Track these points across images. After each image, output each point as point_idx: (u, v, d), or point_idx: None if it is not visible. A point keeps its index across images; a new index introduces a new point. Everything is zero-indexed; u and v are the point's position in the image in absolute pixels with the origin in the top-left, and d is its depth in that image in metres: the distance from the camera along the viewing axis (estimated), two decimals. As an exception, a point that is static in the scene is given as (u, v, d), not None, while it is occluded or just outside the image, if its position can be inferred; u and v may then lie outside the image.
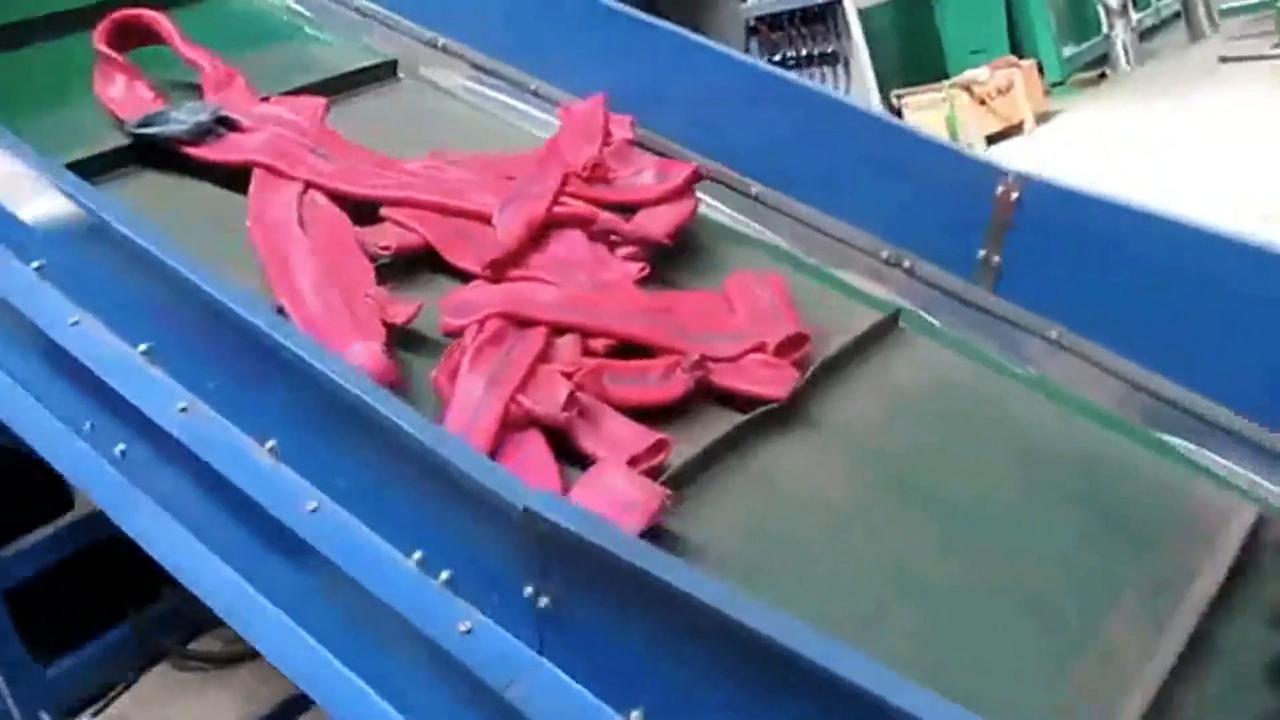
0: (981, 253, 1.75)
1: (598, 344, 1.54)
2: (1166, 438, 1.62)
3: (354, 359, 1.39)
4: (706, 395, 1.53)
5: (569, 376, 1.44)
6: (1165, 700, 1.24)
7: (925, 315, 1.80)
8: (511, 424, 1.39)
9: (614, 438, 1.40)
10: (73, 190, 1.47)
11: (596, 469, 1.35)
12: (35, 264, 1.56)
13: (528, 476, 1.28)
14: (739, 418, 1.51)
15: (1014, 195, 1.69)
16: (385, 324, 1.50)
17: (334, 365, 1.25)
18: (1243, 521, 1.48)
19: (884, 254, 1.83)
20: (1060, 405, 1.68)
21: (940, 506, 1.48)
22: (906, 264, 1.82)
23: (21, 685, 2.57)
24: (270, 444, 1.35)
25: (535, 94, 2.16)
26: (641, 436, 1.41)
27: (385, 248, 1.65)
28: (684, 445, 1.44)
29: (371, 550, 1.27)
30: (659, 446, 1.40)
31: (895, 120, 1.98)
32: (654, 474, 1.38)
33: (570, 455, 1.41)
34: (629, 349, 1.56)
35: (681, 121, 2.00)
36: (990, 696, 1.19)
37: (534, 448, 1.37)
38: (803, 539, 1.41)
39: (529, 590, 1.14)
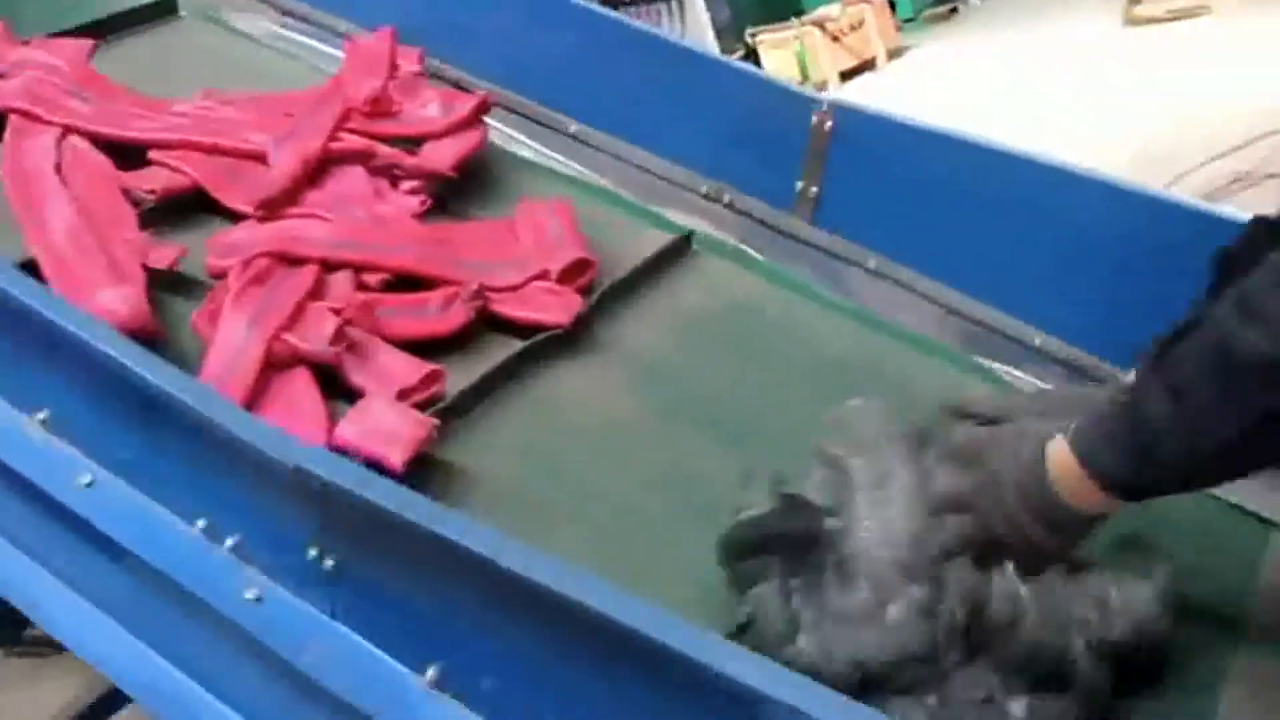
0: (800, 184, 1.74)
1: (372, 279, 1.50)
2: (983, 360, 1.63)
3: (103, 306, 1.31)
4: (488, 326, 1.51)
5: (338, 312, 1.40)
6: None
7: (722, 237, 1.80)
8: (277, 363, 1.34)
9: (385, 371, 1.37)
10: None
11: (362, 403, 1.32)
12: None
13: (295, 418, 1.26)
14: (519, 345, 1.49)
15: (828, 124, 1.67)
16: (146, 269, 1.43)
17: (79, 321, 1.16)
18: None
19: (703, 189, 1.81)
20: (865, 328, 1.68)
21: (726, 423, 1.47)
22: (727, 198, 1.79)
23: None
24: (41, 415, 1.27)
25: (348, 37, 2.07)
26: (414, 369, 1.38)
27: (151, 191, 1.58)
28: (461, 376, 1.42)
29: (152, 521, 1.21)
30: (432, 378, 1.38)
31: (709, 53, 1.96)
32: (427, 406, 1.35)
33: (344, 393, 1.37)
34: (407, 283, 1.52)
35: (496, 61, 1.95)
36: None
37: (301, 387, 1.33)
38: (582, 461, 1.40)
39: (313, 552, 1.09)
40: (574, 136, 1.89)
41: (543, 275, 1.55)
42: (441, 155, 1.72)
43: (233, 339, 1.35)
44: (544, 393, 1.47)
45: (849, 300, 1.71)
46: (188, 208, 1.62)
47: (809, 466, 1.29)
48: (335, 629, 1.13)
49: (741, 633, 1.14)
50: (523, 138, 1.88)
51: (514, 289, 1.54)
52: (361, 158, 1.68)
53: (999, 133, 1.63)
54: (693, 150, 1.82)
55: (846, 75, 6.13)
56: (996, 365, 1.63)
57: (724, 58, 2.28)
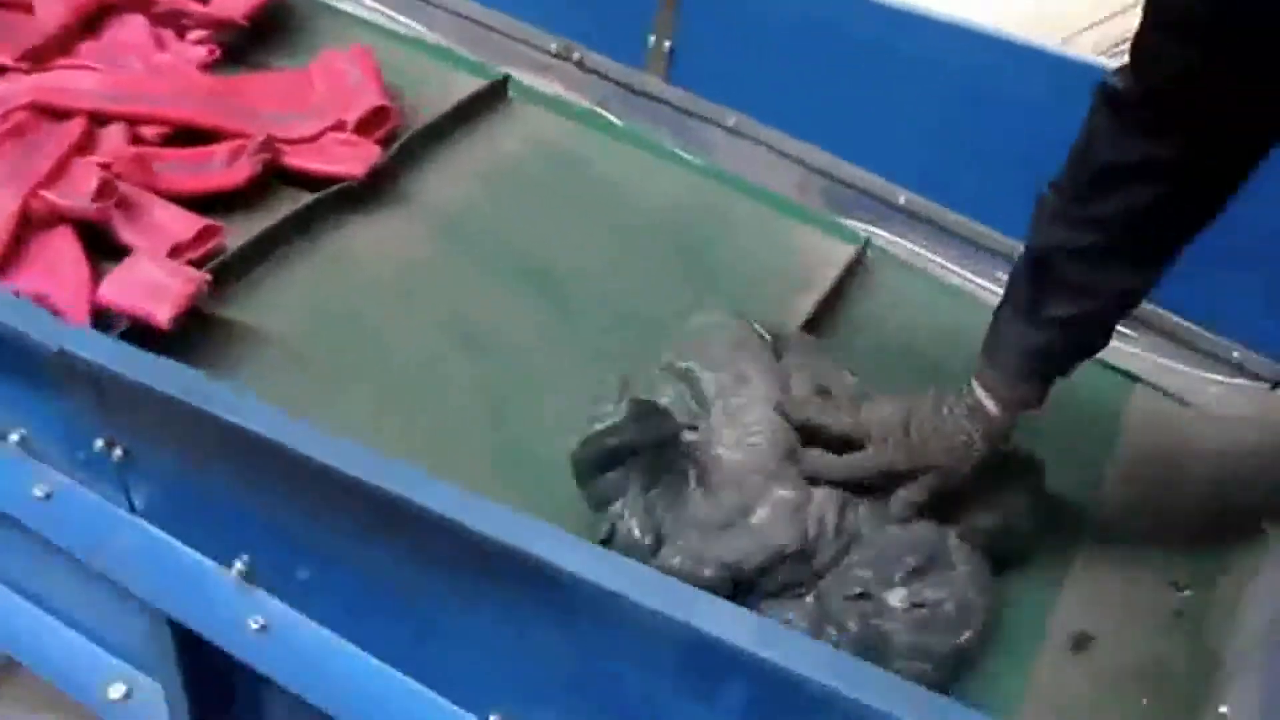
0: (652, 38, 1.63)
1: (150, 132, 1.40)
2: (845, 221, 1.57)
3: None
4: (280, 180, 1.42)
5: (106, 167, 1.30)
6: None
7: (537, 84, 1.71)
8: (36, 222, 1.25)
9: (157, 228, 1.28)
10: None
11: (128, 260, 1.23)
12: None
13: (54, 280, 1.18)
14: (309, 199, 1.40)
15: (679, -25, 1.57)
16: None
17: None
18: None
19: (552, 46, 1.69)
20: (705, 183, 1.61)
21: (537, 277, 1.41)
22: (576, 56, 1.68)
23: None
24: None
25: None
26: (189, 224, 1.29)
27: None
28: (247, 232, 1.33)
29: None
30: (209, 233, 1.30)
31: None
32: (204, 262, 1.27)
33: (114, 252, 1.27)
34: (190, 137, 1.42)
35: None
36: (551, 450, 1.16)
37: (62, 247, 1.24)
38: (376, 319, 1.32)
39: (100, 443, 0.99)
40: None
41: (338, 126, 1.46)
42: (233, 2, 1.60)
43: (-15, 196, 1.25)
44: (337, 248, 1.39)
45: (698, 158, 1.62)
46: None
47: (656, 372, 1.25)
48: (134, 524, 1.04)
49: (605, 545, 1.09)
50: None
51: (307, 141, 1.44)
52: (142, 5, 1.56)
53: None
54: (539, 5, 1.70)
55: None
56: (860, 226, 1.57)
57: None
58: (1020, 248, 1.12)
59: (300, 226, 1.37)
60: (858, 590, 1.12)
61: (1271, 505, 1.28)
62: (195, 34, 1.57)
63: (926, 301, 1.52)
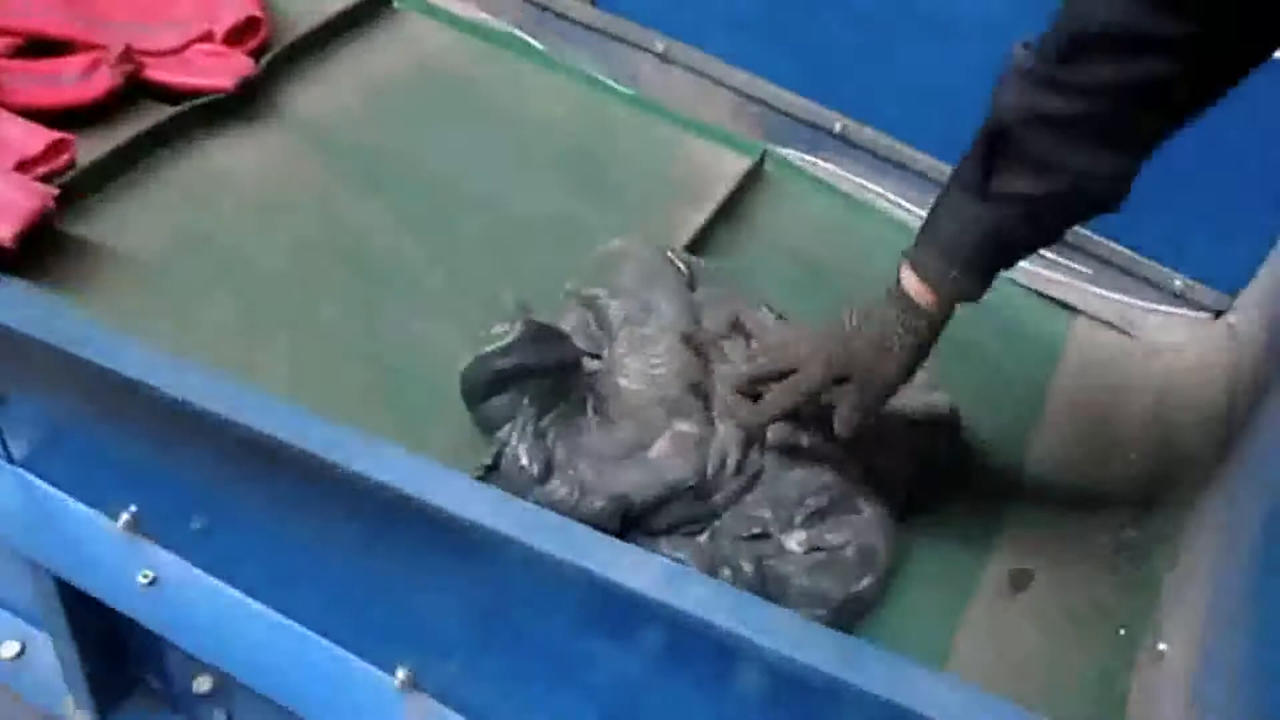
0: (576, -42, 1.56)
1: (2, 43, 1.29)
2: (780, 150, 1.51)
3: None
4: (143, 94, 1.31)
5: None
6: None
7: (501, 26, 1.60)
8: None
9: (3, 143, 1.16)
10: None
11: None
12: None
13: None
14: (171, 112, 1.30)
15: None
16: None
17: None
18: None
19: (471, -32, 1.61)
20: (607, 103, 1.53)
21: (413, 191, 1.33)
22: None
23: None
24: None
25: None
26: (37, 137, 1.18)
27: None
28: (103, 147, 1.23)
29: None
30: (59, 147, 1.19)
31: None
32: (53, 178, 1.16)
33: None
34: (44, 49, 1.31)
35: None
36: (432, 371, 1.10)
37: None
38: (237, 235, 1.23)
39: (-33, 391, 0.92)
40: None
41: (206, 37, 1.37)
42: None
43: None
44: (203, 163, 1.29)
45: (628, 88, 1.55)
46: None
47: (561, 298, 1.19)
48: (13, 473, 0.98)
49: (489, 473, 1.02)
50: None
51: (172, 53, 1.35)
52: None
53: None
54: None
55: None
56: (797, 155, 1.52)
57: None
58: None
59: (161, 141, 1.27)
60: (755, 530, 1.08)
61: (1211, 436, 1.25)
62: None
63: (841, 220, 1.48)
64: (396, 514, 0.74)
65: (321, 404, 0.91)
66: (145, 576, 0.93)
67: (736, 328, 1.21)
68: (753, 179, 1.47)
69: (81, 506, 0.96)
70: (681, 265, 1.26)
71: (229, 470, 0.84)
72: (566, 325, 1.16)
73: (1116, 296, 1.44)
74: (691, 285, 1.25)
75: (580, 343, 1.15)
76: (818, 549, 1.09)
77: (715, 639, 0.65)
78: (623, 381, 1.13)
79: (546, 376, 1.05)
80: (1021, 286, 1.44)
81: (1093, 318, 1.43)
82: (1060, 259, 1.44)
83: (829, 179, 1.52)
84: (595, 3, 1.57)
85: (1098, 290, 1.44)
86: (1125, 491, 1.24)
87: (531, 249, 1.29)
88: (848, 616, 1.07)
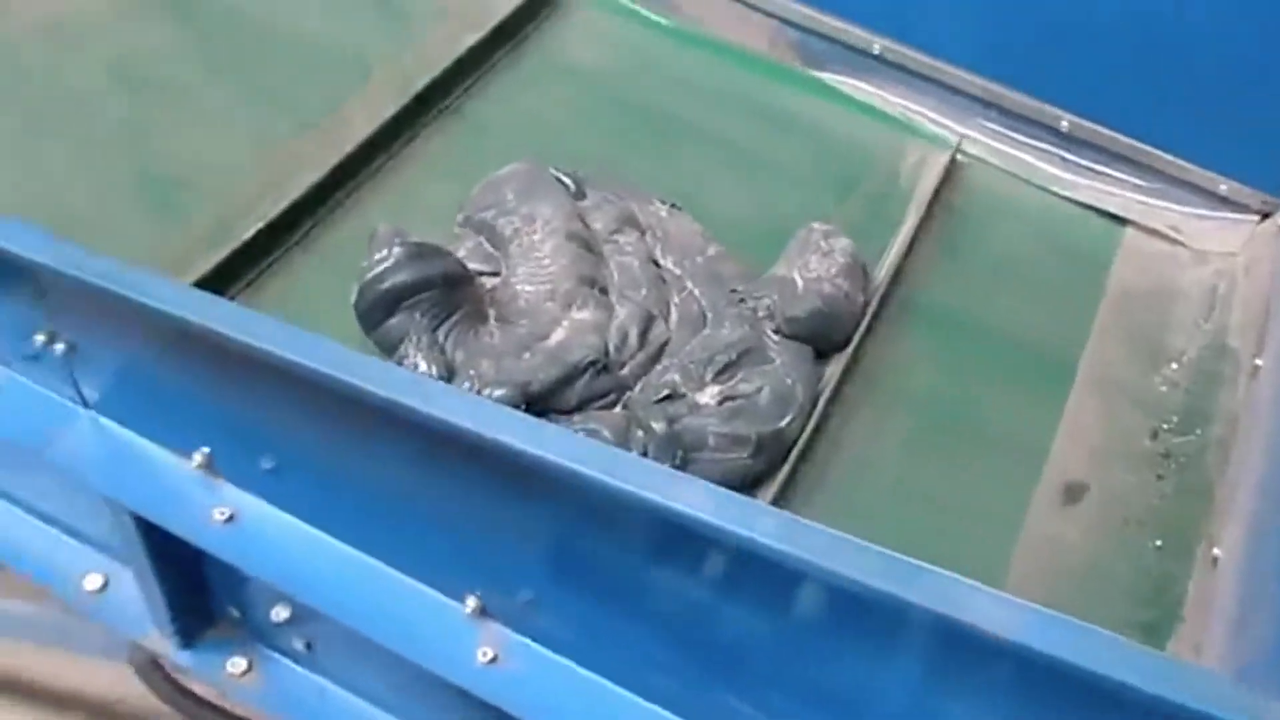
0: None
1: None
2: (821, 74, 1.50)
3: None
4: None
5: None
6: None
7: None
8: None
9: None
10: None
11: None
12: None
13: None
14: None
15: None
16: None
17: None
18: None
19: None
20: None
21: (231, 33, 1.38)
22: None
23: None
24: None
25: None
26: None
27: None
28: None
29: None
30: None
31: None
32: None
33: None
34: None
35: None
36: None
37: None
38: (50, 74, 1.28)
39: (40, 338, 0.95)
40: None
41: None
42: None
43: None
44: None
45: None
46: None
47: (455, 229, 1.23)
48: (87, 416, 1.01)
49: None
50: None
51: None
52: None
53: None
54: None
55: None
56: (834, 78, 1.51)
57: None
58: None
59: None
60: (665, 393, 1.11)
61: (1258, 337, 1.25)
62: None
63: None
64: (463, 454, 0.76)
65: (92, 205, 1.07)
66: (221, 514, 0.96)
67: (628, 220, 1.26)
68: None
69: (155, 448, 0.99)
70: (565, 178, 1.28)
71: (298, 413, 0.87)
72: (462, 251, 1.20)
73: (1164, 205, 1.43)
74: (580, 195, 1.28)
75: (478, 264, 1.19)
76: (730, 399, 1.12)
77: (776, 562, 0.67)
78: (518, 286, 1.17)
79: (433, 290, 1.09)
80: (1071, 200, 1.44)
81: (1141, 227, 1.43)
82: (1109, 170, 1.43)
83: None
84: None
85: (1145, 200, 1.43)
86: (1176, 398, 1.25)
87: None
88: (772, 456, 1.10)
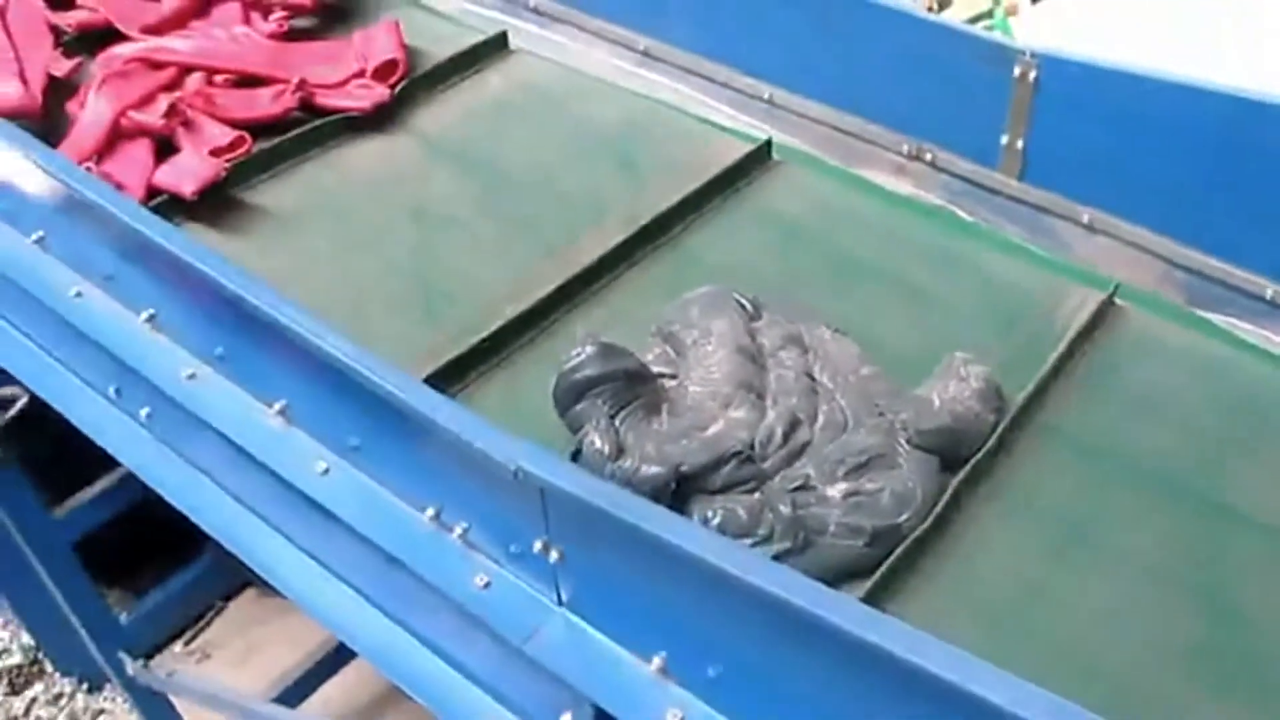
0: (1005, 138, 1.67)
1: (220, 79, 1.86)
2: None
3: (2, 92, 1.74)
4: (314, 114, 1.84)
5: (180, 99, 1.74)
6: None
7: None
8: (125, 134, 1.70)
9: (205, 138, 1.72)
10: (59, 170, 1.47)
11: (176, 156, 1.67)
12: (34, 237, 1.58)
13: (127, 169, 1.64)
14: (318, 121, 1.83)
15: (1032, 74, 1.59)
16: (50, 76, 1.83)
17: (332, 340, 1.22)
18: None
19: (904, 148, 1.76)
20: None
21: (480, 176, 1.78)
22: (929, 157, 1.74)
23: (102, 637, 2.65)
24: (279, 405, 1.34)
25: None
26: (225, 134, 1.72)
27: (70, 25, 1.97)
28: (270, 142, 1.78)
29: (385, 507, 1.27)
30: (239, 141, 1.73)
31: (897, 5, 1.86)
32: (233, 161, 1.71)
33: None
34: (251, 83, 1.87)
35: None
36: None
37: (139, 150, 1.69)
38: (354, 200, 1.74)
39: (538, 544, 1.12)
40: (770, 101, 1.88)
41: (360, 74, 1.89)
42: None
43: (90, 115, 1.70)
44: (338, 159, 1.82)
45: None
46: (103, 38, 1.96)
47: (649, 338, 1.46)
48: (562, 615, 1.17)
49: (574, 459, 1.27)
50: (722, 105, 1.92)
51: (336, 85, 1.87)
52: None
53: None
54: (893, 109, 1.78)
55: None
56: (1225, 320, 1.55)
57: (922, 13, 2.12)
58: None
59: (313, 142, 1.80)
60: (798, 484, 1.26)
61: None
62: (276, 14, 2.03)
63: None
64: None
65: (379, 310, 1.49)
66: (674, 715, 1.09)
67: (793, 339, 1.43)
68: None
69: (620, 649, 1.14)
70: (744, 301, 1.48)
71: (761, 633, 0.99)
72: (649, 356, 1.42)
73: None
74: (756, 315, 1.48)
75: (661, 367, 1.41)
76: (855, 494, 1.25)
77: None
78: (689, 387, 1.37)
79: (615, 382, 1.30)
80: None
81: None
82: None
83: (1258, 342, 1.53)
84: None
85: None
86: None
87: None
88: (885, 547, 1.22)
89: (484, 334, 1.47)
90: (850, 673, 0.92)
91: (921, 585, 1.22)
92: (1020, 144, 1.64)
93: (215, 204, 1.67)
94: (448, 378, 1.43)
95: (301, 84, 1.82)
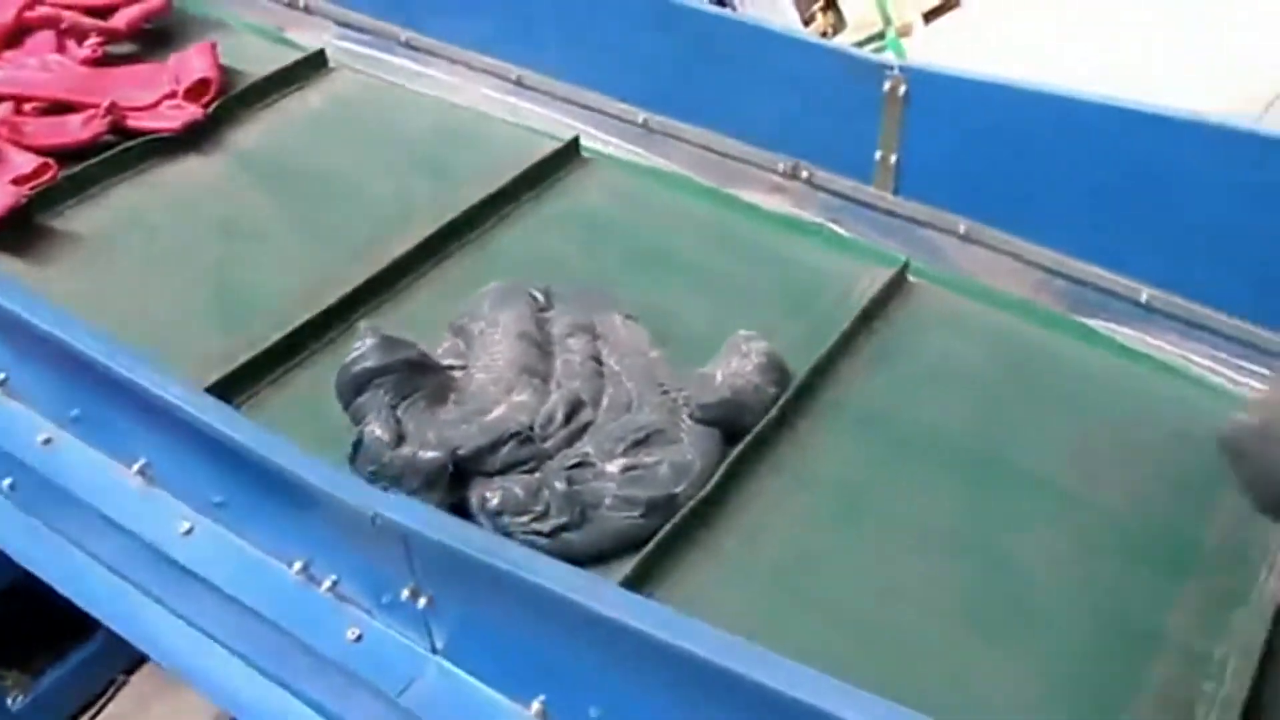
0: (879, 153, 1.67)
1: (29, 107, 1.87)
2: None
3: None
4: (125, 136, 1.86)
5: None
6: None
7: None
8: None
9: (9, 166, 1.73)
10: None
11: None
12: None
13: None
14: (129, 143, 1.84)
15: (901, 89, 1.60)
16: None
17: (178, 393, 1.18)
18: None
19: (780, 166, 1.75)
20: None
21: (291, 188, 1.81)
22: (805, 174, 1.74)
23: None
24: (138, 465, 1.29)
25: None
26: (30, 161, 1.73)
27: None
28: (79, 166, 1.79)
29: (252, 564, 1.22)
30: (43, 168, 1.74)
31: (768, 25, 1.85)
32: (39, 188, 1.72)
33: None
34: (62, 109, 1.88)
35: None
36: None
37: None
38: (164, 218, 1.75)
39: (406, 592, 1.09)
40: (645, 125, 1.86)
41: (171, 95, 1.91)
42: (119, 17, 2.09)
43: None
44: (153, 178, 1.83)
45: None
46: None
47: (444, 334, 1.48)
48: (438, 664, 1.13)
49: (355, 451, 1.27)
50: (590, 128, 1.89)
51: (148, 108, 1.89)
52: (50, 23, 2.05)
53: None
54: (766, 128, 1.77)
55: (930, 15, 5.88)
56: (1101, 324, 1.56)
57: (789, 30, 2.13)
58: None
59: (124, 164, 1.82)
60: (576, 461, 1.29)
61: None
62: (90, 41, 2.03)
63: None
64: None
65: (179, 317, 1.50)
66: (553, 760, 1.05)
67: (583, 327, 1.48)
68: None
69: (495, 694, 1.10)
70: (537, 293, 1.53)
71: (640, 676, 0.96)
72: (440, 349, 1.45)
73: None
74: (548, 306, 1.52)
75: (451, 359, 1.44)
76: (633, 468, 1.29)
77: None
78: (474, 375, 1.40)
79: (396, 373, 1.32)
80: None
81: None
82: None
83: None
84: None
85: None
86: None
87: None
88: (660, 517, 1.25)
89: (274, 339, 1.48)
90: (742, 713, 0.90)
91: (699, 557, 1.26)
92: (894, 158, 1.66)
93: (22, 233, 1.67)
94: (236, 384, 1.43)
95: (112, 107, 1.83)
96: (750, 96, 1.76)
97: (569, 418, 1.33)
